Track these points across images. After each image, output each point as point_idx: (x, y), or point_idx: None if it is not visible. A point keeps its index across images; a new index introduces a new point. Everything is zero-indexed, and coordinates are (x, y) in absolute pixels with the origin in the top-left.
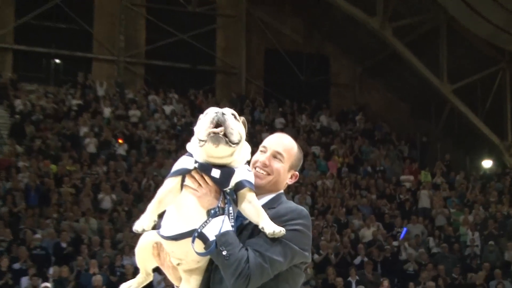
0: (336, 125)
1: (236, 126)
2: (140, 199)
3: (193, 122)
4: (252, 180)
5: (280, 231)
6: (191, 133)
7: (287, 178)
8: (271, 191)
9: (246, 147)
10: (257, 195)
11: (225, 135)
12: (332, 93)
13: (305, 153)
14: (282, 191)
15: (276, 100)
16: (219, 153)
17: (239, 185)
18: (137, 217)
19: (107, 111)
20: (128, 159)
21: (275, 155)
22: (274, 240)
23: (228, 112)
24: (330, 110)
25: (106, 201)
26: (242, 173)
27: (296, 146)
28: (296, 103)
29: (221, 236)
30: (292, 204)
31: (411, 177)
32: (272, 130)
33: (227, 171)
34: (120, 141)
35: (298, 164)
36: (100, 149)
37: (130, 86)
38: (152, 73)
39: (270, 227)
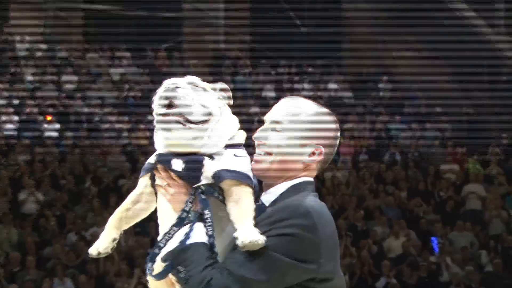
0: (351, 95)
1: (198, 98)
2: (78, 199)
3: (152, 92)
4: (243, 167)
5: (256, 240)
6: (149, 107)
7: (305, 155)
8: (286, 178)
9: (227, 123)
10: (268, 187)
11: (182, 116)
12: (345, 50)
13: None
14: (307, 178)
15: (267, 60)
16: (176, 140)
17: (217, 178)
18: (74, 225)
19: (30, 77)
20: (61, 144)
21: (274, 126)
22: (253, 253)
23: (183, 82)
24: (342, 74)
25: (30, 203)
26: (221, 161)
27: (310, 109)
28: (294, 64)
29: (180, 252)
30: (294, 199)
31: (455, 167)
32: (262, 102)
33: (192, 161)
34: (48, 118)
35: (318, 133)
36: (21, 130)
37: (63, 41)
38: (94, 23)
39: (243, 236)
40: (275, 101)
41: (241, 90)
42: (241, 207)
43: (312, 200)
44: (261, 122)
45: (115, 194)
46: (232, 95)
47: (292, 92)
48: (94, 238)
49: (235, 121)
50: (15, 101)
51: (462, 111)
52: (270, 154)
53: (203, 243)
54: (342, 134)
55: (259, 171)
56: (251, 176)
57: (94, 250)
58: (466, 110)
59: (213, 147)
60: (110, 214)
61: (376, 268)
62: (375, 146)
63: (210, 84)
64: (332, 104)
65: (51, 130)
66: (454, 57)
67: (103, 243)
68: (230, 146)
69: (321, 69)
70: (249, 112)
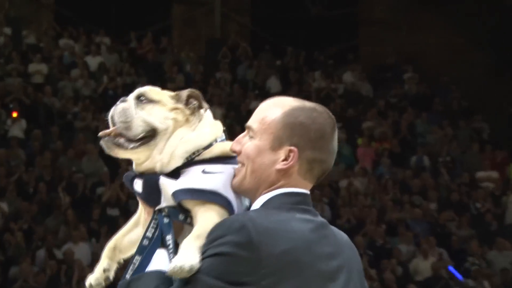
0: (370, 89)
1: (140, 113)
2: (49, 210)
3: (135, 84)
4: (209, 184)
5: (181, 266)
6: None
7: (278, 161)
8: (263, 191)
9: (187, 135)
10: (252, 203)
11: (120, 134)
12: (363, 35)
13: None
14: (288, 189)
15: (271, 47)
16: (127, 159)
17: (174, 199)
18: (44, 241)
19: None
20: (29, 145)
21: (248, 132)
22: (188, 279)
23: (130, 96)
24: (359, 63)
25: None
26: (184, 179)
27: (283, 107)
28: (304, 52)
29: (129, 283)
30: (235, 215)
31: (494, 174)
32: (264, 96)
33: (147, 180)
34: (14, 114)
35: (292, 134)
36: None
37: (31, 24)
38: (68, 3)
39: (175, 262)
40: (280, 94)
41: (241, 82)
42: (194, 229)
43: (259, 214)
44: None
45: (93, 204)
46: (230, 87)
47: (301, 84)
48: (68, 256)
49: (207, 131)
50: None
51: (502, 108)
52: (243, 165)
53: (157, 272)
54: (360, 134)
55: (234, 185)
56: (223, 193)
57: (87, 282)
58: (507, 107)
59: (169, 164)
60: (86, 227)
61: None
62: (399, 149)
63: (174, 93)
64: (348, 98)
65: (17, 128)
66: (494, 43)
67: (94, 275)
68: (202, 161)
69: (335, 58)
70: (250, 107)
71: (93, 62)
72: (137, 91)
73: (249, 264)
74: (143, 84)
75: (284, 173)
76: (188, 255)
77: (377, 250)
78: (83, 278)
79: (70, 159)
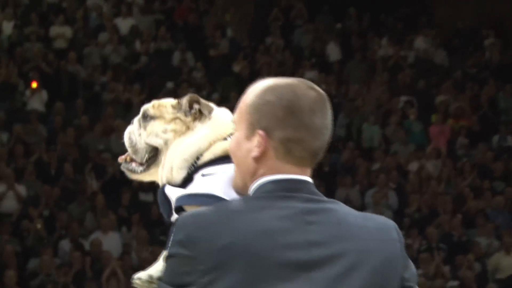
0: (445, 57)
1: (143, 135)
2: (74, 195)
3: (172, 50)
4: (203, 187)
5: (137, 277)
6: (169, 71)
7: (253, 149)
8: (250, 185)
9: (181, 145)
10: None
11: (131, 159)
12: None
13: (387, 109)
14: (269, 177)
15: (330, 9)
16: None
17: (174, 206)
18: (68, 230)
19: (8, 28)
20: (50, 120)
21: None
22: None
23: (137, 117)
24: (433, 27)
25: (8, 200)
26: (188, 187)
27: (255, 90)
28: (368, 14)
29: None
30: (188, 212)
31: None
32: (322, 65)
33: (159, 192)
34: (33, 84)
35: (261, 117)
36: None
37: None
38: None
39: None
40: (340, 63)
41: (294, 48)
42: None
43: (214, 208)
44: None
45: (123, 188)
46: (282, 54)
47: (365, 51)
48: (95, 247)
49: (205, 133)
50: None
51: None
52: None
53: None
54: (433, 110)
55: (232, 187)
56: (221, 194)
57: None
58: None
59: (174, 178)
60: (116, 214)
61: None
62: (479, 127)
63: (175, 101)
64: (420, 68)
65: (36, 101)
66: None
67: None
68: (204, 164)
69: (405, 21)
70: (305, 78)
71: (123, 24)
72: (142, 109)
73: (188, 263)
74: (181, 51)
75: (260, 161)
76: (156, 264)
77: (452, 243)
78: (113, 272)
79: (97, 137)
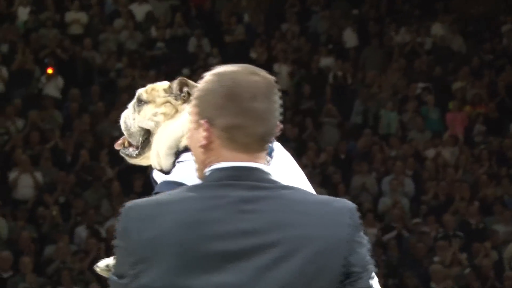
0: (462, 43)
1: (137, 118)
2: (89, 182)
3: (187, 36)
4: (176, 174)
5: (100, 265)
6: (185, 57)
7: (200, 139)
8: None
9: (166, 129)
10: None
11: (129, 142)
12: None
13: (403, 95)
14: (216, 165)
15: None
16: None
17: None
18: (84, 216)
19: (23, 14)
20: (66, 106)
21: None
22: None
23: (132, 101)
24: (450, 13)
25: (24, 186)
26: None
27: (202, 80)
28: (385, 0)
29: None
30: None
31: None
32: (338, 52)
33: (151, 178)
34: (49, 70)
35: (204, 106)
36: (11, 87)
37: None
38: None
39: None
40: (357, 50)
41: (311, 34)
42: None
43: (154, 197)
44: (338, 78)
45: (139, 175)
46: (298, 40)
47: (381, 37)
48: (111, 234)
49: (185, 118)
50: (4, 47)
51: None
52: None
53: None
54: (450, 97)
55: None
56: (190, 182)
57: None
58: None
59: (162, 163)
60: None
61: (498, 281)
62: (497, 113)
63: (166, 85)
64: (437, 54)
65: (52, 87)
66: None
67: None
68: (181, 152)
69: (422, 7)
70: (321, 64)
71: (139, 10)
72: (136, 93)
73: (122, 254)
74: (196, 37)
75: (207, 150)
76: None
77: (469, 231)
78: None
79: (113, 123)
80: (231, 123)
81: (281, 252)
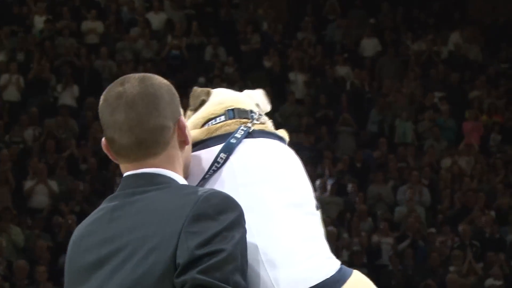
0: (479, 53)
1: None
2: (104, 191)
3: (204, 45)
4: None
5: None
6: (203, 66)
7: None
8: None
9: None
10: None
11: None
12: None
13: (420, 105)
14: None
15: (363, 3)
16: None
17: None
18: None
19: (39, 22)
20: (82, 115)
21: None
22: None
23: None
24: (467, 22)
25: (40, 195)
26: None
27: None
28: (402, 9)
29: None
30: None
31: None
32: (355, 61)
33: None
34: (65, 79)
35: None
36: (28, 95)
37: None
38: None
39: None
40: (373, 60)
41: (327, 43)
42: None
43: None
44: (354, 87)
45: None
46: (315, 49)
47: (399, 46)
48: None
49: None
50: (20, 56)
51: None
52: None
53: None
54: (466, 106)
55: None
56: None
57: None
58: None
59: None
60: None
61: None
62: None
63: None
64: (454, 64)
65: (68, 96)
66: None
67: None
68: None
69: (438, 16)
70: (337, 73)
71: (155, 19)
72: None
73: None
74: (213, 46)
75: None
76: None
77: (485, 241)
78: None
79: None
80: (107, 135)
81: (125, 255)
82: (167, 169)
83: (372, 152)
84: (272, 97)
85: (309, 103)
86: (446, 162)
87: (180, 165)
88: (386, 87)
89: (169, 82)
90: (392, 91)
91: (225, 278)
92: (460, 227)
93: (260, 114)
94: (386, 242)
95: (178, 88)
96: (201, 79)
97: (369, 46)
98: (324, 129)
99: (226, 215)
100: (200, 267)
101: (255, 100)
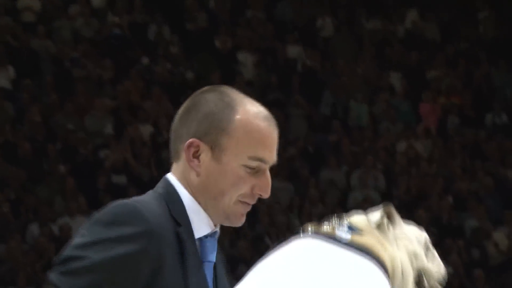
0: (437, 31)
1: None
2: (42, 178)
3: (147, 24)
4: None
5: None
6: (146, 46)
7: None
8: None
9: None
10: None
11: None
12: None
13: (375, 86)
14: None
15: None
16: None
17: None
18: (36, 214)
19: None
20: (17, 98)
21: None
22: None
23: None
24: (425, 1)
25: None
26: None
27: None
28: None
29: None
30: None
31: None
32: (307, 40)
33: None
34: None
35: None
36: None
37: None
38: None
39: None
40: (326, 39)
41: (278, 22)
42: None
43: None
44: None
45: (95, 170)
46: (265, 28)
47: (352, 25)
48: (65, 232)
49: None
50: None
51: None
52: None
53: None
54: (423, 87)
55: None
56: None
57: None
58: None
59: None
60: (88, 198)
61: (469, 280)
62: (472, 105)
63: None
64: (409, 43)
65: (2, 77)
66: None
67: None
68: None
69: None
70: (288, 54)
71: None
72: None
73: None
74: (157, 24)
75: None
76: None
77: (442, 227)
78: None
79: (68, 116)
80: None
81: None
82: (178, 178)
83: (326, 135)
84: (220, 79)
85: (259, 85)
86: (402, 145)
87: (191, 182)
88: (340, 68)
89: (111, 63)
90: (346, 72)
91: (73, 285)
92: (417, 213)
93: None
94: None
95: (119, 68)
96: (145, 60)
97: (322, 25)
98: (275, 112)
99: (121, 227)
100: (62, 268)
101: None
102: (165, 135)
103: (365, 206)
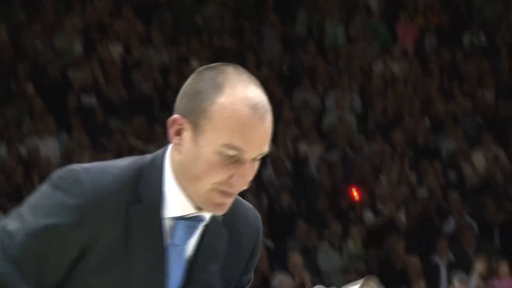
0: None
1: None
2: (8, 98)
3: None
4: None
5: None
6: None
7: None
8: None
9: None
10: None
11: None
12: None
13: (351, 5)
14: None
15: None
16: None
17: None
18: (3, 134)
19: None
20: None
21: None
22: None
23: None
24: None
25: None
26: None
27: None
28: None
29: None
30: None
31: None
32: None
33: None
34: None
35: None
36: None
37: None
38: None
39: None
40: None
41: None
42: None
43: None
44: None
45: (64, 90)
46: None
47: None
48: (33, 153)
49: None
50: None
51: None
52: None
53: None
54: (400, 6)
55: None
56: None
57: None
58: None
59: None
60: (57, 119)
61: (445, 202)
62: (449, 24)
63: None
64: None
65: None
66: None
67: None
68: None
69: None
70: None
71: None
72: None
73: None
74: None
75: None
76: None
77: (418, 149)
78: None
79: (36, 34)
80: None
81: None
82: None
83: (300, 56)
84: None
85: (232, 4)
86: (378, 66)
87: (174, 159)
88: None
89: None
90: None
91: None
92: (393, 135)
93: None
94: (314, 151)
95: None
96: None
97: None
98: (248, 30)
99: (61, 193)
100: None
101: None
102: (135, 55)
103: (340, 128)
